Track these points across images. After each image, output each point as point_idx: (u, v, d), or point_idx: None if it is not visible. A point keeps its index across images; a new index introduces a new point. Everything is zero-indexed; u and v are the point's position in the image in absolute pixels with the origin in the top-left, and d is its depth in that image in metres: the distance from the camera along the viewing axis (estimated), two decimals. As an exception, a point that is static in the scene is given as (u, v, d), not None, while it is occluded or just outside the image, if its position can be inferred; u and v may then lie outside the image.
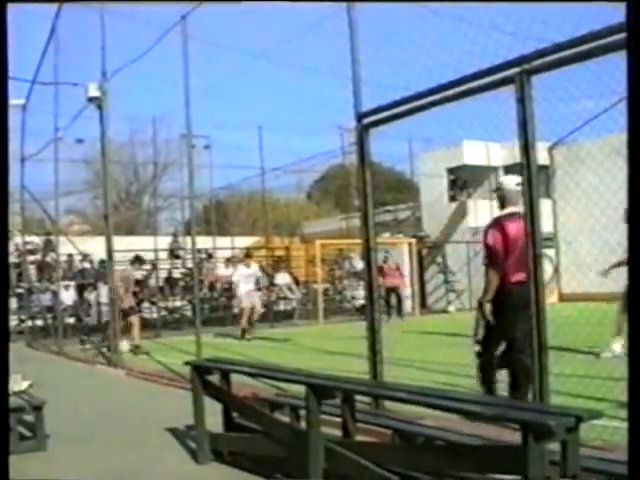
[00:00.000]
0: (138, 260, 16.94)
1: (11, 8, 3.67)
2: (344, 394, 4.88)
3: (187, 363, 6.53)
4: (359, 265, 24.46)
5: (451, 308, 25.70)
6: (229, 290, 24.58)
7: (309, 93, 45.18)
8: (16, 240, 22.33)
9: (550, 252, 22.37)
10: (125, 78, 13.45)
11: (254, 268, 18.98)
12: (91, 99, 12.85)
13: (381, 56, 7.36)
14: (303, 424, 5.13)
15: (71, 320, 20.67)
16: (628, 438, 2.69)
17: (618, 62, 4.58)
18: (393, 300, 23.13)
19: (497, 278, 6.64)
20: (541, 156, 7.64)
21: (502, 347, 6.84)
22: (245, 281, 18.10)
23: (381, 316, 7.78)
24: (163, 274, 25.05)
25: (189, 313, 22.18)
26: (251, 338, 17.38)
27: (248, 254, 20.76)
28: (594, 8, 4.95)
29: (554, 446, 3.61)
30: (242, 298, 18.08)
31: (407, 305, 24.80)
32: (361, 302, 20.93)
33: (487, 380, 6.92)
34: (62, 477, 5.73)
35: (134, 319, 15.36)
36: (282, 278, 25.61)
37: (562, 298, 22.57)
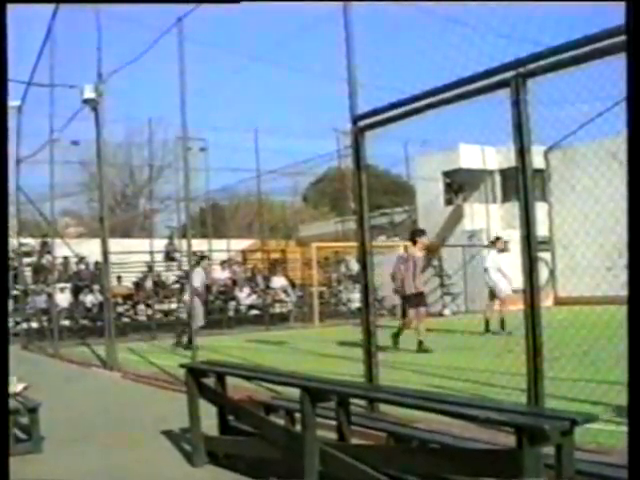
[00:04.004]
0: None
1: (8, 9, 3.66)
2: (339, 397, 4.88)
3: (182, 366, 6.52)
4: (355, 268, 24.46)
5: (447, 311, 25.68)
6: (224, 293, 24.59)
7: (305, 95, 45.19)
8: (12, 242, 22.30)
9: (546, 255, 22.45)
10: (121, 80, 13.48)
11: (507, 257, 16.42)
12: (87, 101, 12.83)
13: (377, 58, 7.36)
14: (298, 427, 5.13)
15: (66, 322, 20.65)
16: (628, 440, 2.68)
17: (613, 66, 4.59)
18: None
19: None
20: (537, 160, 7.66)
21: None
22: (499, 268, 16.07)
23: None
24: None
25: (184, 316, 22.13)
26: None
27: (498, 237, 17.22)
28: (590, 12, 4.97)
29: (549, 449, 3.61)
30: (500, 286, 15.96)
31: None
32: (357, 305, 20.87)
33: None
34: (57, 479, 5.72)
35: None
36: (278, 281, 25.61)
37: (557, 301, 22.60)
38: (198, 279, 15.91)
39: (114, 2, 11.65)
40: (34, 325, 20.29)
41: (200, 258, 17.35)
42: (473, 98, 5.97)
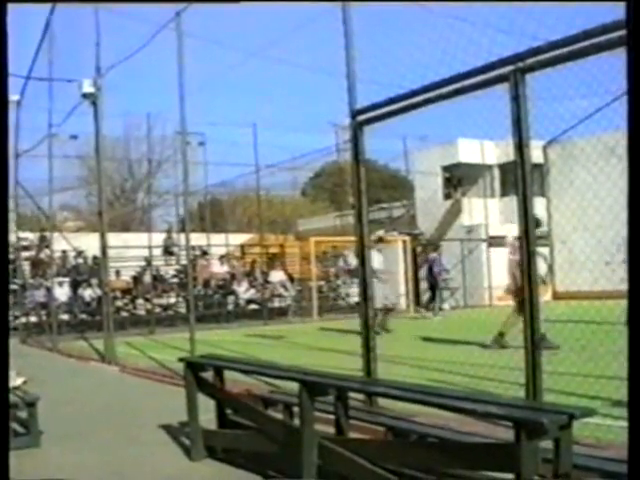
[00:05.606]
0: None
1: (9, 8, 3.66)
2: (337, 391, 4.88)
3: (181, 360, 6.53)
4: (353, 262, 24.47)
5: (446, 306, 25.68)
6: (223, 287, 24.60)
7: (304, 90, 45.19)
8: (10, 236, 22.29)
9: (544, 250, 22.44)
10: (120, 74, 13.45)
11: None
12: (85, 95, 12.84)
13: (376, 53, 7.36)
14: (296, 421, 5.13)
15: (65, 316, 20.65)
16: (628, 434, 2.68)
17: (612, 61, 4.59)
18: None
19: None
20: (535, 154, 7.66)
21: None
22: None
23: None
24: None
25: (183, 310, 22.14)
26: None
27: None
28: (588, 7, 4.96)
29: (547, 444, 3.62)
30: None
31: (402, 302, 24.84)
32: (355, 299, 20.85)
33: None
34: (55, 474, 5.73)
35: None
36: (276, 275, 25.60)
37: (556, 296, 22.61)
38: (378, 260, 15.56)
39: (113, 1, 11.65)
40: (33, 319, 20.30)
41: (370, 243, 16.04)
42: (472, 93, 5.97)
